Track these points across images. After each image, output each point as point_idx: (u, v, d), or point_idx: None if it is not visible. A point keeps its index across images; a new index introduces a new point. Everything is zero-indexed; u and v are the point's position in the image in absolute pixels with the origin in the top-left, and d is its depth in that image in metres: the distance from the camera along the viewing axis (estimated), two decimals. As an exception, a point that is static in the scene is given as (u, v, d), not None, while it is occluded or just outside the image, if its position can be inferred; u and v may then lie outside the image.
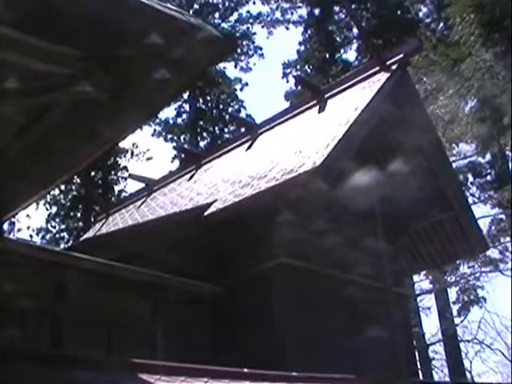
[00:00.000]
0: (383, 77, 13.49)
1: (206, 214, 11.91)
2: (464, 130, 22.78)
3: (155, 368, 5.90)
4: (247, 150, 15.69)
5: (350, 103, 13.13)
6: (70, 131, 6.60)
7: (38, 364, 5.03)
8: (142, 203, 18.06)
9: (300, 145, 12.56)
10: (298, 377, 7.38)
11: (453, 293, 31.82)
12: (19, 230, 31.08)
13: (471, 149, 27.78)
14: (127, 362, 6.19)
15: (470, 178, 30.31)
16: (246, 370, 6.80)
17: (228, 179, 13.67)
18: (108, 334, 9.89)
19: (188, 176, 17.41)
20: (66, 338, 9.30)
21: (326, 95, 14.68)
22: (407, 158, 14.53)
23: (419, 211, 15.18)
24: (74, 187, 31.97)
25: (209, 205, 12.11)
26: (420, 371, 22.21)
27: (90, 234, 18.56)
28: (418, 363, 18.26)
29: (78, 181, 30.43)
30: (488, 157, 28.79)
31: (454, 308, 31.22)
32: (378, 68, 13.92)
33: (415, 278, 26.56)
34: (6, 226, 28.69)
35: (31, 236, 31.05)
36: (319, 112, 14.34)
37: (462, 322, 31.02)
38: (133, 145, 33.56)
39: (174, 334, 11.24)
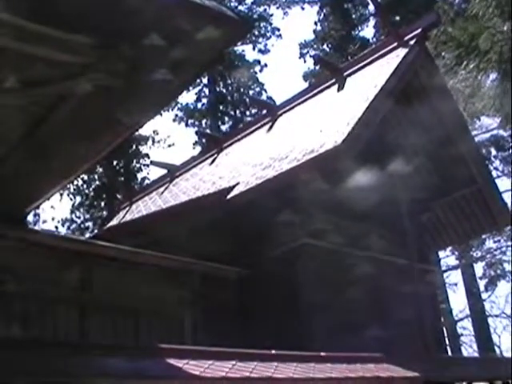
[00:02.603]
0: (401, 52, 13.37)
1: (228, 197, 11.91)
2: (486, 103, 22.52)
3: (183, 353, 5.91)
4: (268, 131, 15.65)
5: (369, 80, 13.03)
6: (88, 120, 6.59)
7: (68, 353, 5.05)
8: (165, 189, 18.10)
9: (320, 124, 12.50)
10: (325, 357, 7.37)
11: (479, 268, 31.69)
12: (44, 222, 31.38)
13: (494, 122, 27.48)
14: (155, 347, 6.21)
15: (493, 152, 30.03)
16: (273, 351, 6.81)
17: (250, 162, 13.64)
18: (135, 321, 9.93)
19: (210, 160, 17.42)
20: (94, 326, 9.36)
21: (345, 73, 14.58)
22: (429, 134, 14.42)
23: (443, 186, 15.09)
24: (96, 177, 32.10)
25: (231, 188, 12.10)
26: (448, 347, 22.13)
27: (114, 222, 18.66)
28: (447, 339, 18.17)
29: (101, 170, 30.58)
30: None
31: (481, 283, 31.11)
32: (396, 44, 13.80)
33: (441, 253, 26.43)
34: (30, 218, 29.01)
35: (56, 227, 31.30)
36: (338, 90, 14.25)
37: (489, 296, 30.91)
38: (154, 132, 33.61)
39: (201, 318, 11.27)
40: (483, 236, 26.45)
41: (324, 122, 12.51)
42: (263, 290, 11.62)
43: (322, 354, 7.49)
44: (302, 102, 15.40)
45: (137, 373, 4.91)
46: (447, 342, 19.68)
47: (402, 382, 7.67)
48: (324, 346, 9.07)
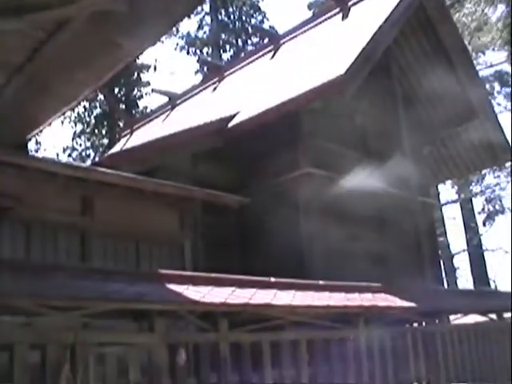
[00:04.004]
0: (408, -17, 13.10)
1: (229, 125, 11.85)
2: (493, 36, 22.23)
3: (183, 278, 5.97)
4: (270, 59, 15.47)
5: (374, 10, 12.82)
6: (90, 44, 6.51)
7: (70, 277, 5.10)
8: (166, 117, 18.03)
9: (324, 53, 12.36)
10: (324, 285, 7.45)
11: (478, 203, 31.82)
12: (45, 150, 31.34)
13: (498, 57, 27.23)
14: (155, 273, 6.27)
15: (497, 87, 29.82)
16: (272, 278, 6.88)
17: (251, 90, 13.54)
18: (136, 247, 10.02)
19: (211, 89, 17.28)
20: (95, 251, 9.44)
21: (350, 2, 14.32)
22: (433, 67, 14.30)
23: (445, 120, 15.04)
24: (98, 104, 31.90)
25: (232, 116, 12.04)
26: (445, 280, 22.36)
27: (115, 149, 18.64)
28: (443, 272, 18.35)
29: (102, 98, 30.35)
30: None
31: (479, 218, 31.27)
32: (402, -26, 13.51)
33: (441, 187, 26.50)
34: (32, 147, 28.97)
35: (57, 154, 31.29)
36: (343, 19, 14.02)
37: (486, 231, 31.11)
38: (155, 60, 33.25)
39: (202, 245, 11.36)
40: (483, 171, 26.49)
41: (327, 51, 12.37)
42: (264, 219, 11.69)
43: (321, 282, 7.57)
44: (306, 30, 15.19)
45: (137, 297, 4.96)
46: (444, 274, 19.89)
47: (399, 311, 7.78)
48: (323, 275, 9.17)
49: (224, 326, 5.66)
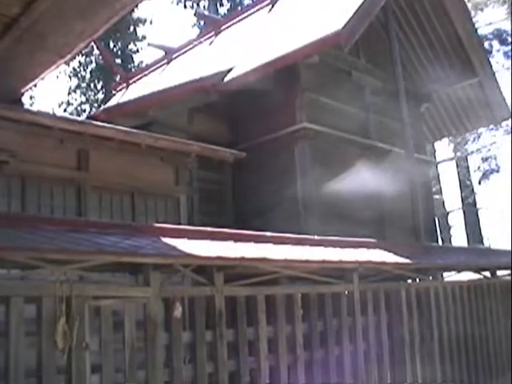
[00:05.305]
0: None
1: (226, 79, 11.76)
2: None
3: (178, 232, 5.96)
4: (268, 13, 15.30)
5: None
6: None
7: (65, 230, 5.09)
8: (162, 71, 17.89)
9: (323, 7, 12.22)
10: (319, 240, 7.46)
11: (474, 161, 31.84)
12: (40, 105, 31.18)
13: (498, 15, 26.99)
14: (151, 227, 6.26)
15: (496, 46, 29.63)
16: (268, 233, 6.88)
17: (248, 44, 13.41)
18: (131, 201, 10.03)
19: (208, 43, 17.12)
20: (90, 205, 9.45)
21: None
22: (432, 23, 14.18)
23: (443, 77, 14.96)
24: (93, 59, 31.68)
25: (228, 70, 11.93)
26: (439, 237, 22.45)
27: (110, 104, 18.51)
28: (438, 229, 18.40)
29: (98, 52, 30.12)
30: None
31: (475, 176, 31.33)
32: None
33: (437, 145, 26.46)
34: (27, 101, 28.80)
35: (53, 109, 31.11)
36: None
37: (481, 190, 31.18)
38: (151, 14, 32.97)
39: (197, 199, 11.38)
40: (480, 130, 26.47)
41: (326, 5, 12.22)
42: (259, 174, 11.68)
43: (316, 237, 7.57)
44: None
45: (132, 250, 4.96)
46: (438, 232, 19.96)
47: (394, 267, 7.81)
48: (319, 231, 9.19)
49: (219, 280, 5.68)
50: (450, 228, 31.38)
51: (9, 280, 4.74)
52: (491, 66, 15.57)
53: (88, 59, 31.42)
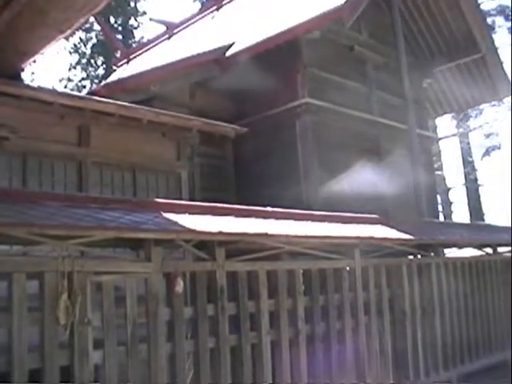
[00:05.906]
0: None
1: (227, 54, 11.70)
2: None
3: (180, 207, 5.95)
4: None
5: None
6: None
7: (66, 206, 5.08)
8: (163, 47, 17.77)
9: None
10: (321, 216, 7.45)
11: (476, 137, 31.76)
12: (40, 81, 31.03)
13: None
14: (152, 202, 6.25)
15: (498, 22, 29.45)
16: (269, 208, 6.87)
17: (250, 19, 13.32)
18: (132, 177, 10.01)
19: (209, 17, 16.99)
20: (91, 181, 9.44)
21: None
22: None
23: (446, 53, 14.88)
24: (94, 35, 31.47)
25: (230, 45, 11.87)
26: (441, 213, 22.46)
27: (111, 79, 18.42)
28: (439, 206, 18.37)
29: (98, 28, 29.93)
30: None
31: (477, 153, 31.26)
32: None
33: (439, 120, 26.38)
34: (28, 78, 28.68)
35: (53, 85, 30.97)
36: None
37: (483, 166, 31.14)
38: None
39: (198, 175, 11.37)
40: (482, 106, 26.36)
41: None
42: (261, 149, 11.66)
43: (318, 212, 7.56)
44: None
45: (134, 225, 4.95)
46: (440, 208, 19.98)
47: (395, 242, 7.80)
48: (320, 206, 9.18)
49: (221, 255, 5.67)
50: (451, 204, 31.37)
51: (11, 256, 4.74)
52: (493, 42, 15.48)
53: (88, 35, 31.20)
